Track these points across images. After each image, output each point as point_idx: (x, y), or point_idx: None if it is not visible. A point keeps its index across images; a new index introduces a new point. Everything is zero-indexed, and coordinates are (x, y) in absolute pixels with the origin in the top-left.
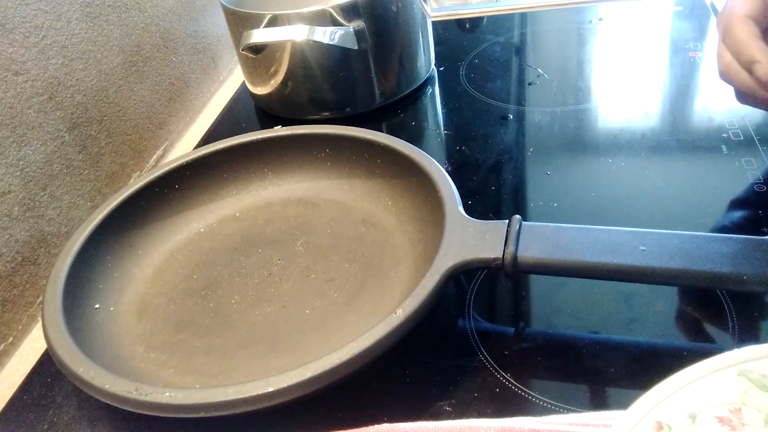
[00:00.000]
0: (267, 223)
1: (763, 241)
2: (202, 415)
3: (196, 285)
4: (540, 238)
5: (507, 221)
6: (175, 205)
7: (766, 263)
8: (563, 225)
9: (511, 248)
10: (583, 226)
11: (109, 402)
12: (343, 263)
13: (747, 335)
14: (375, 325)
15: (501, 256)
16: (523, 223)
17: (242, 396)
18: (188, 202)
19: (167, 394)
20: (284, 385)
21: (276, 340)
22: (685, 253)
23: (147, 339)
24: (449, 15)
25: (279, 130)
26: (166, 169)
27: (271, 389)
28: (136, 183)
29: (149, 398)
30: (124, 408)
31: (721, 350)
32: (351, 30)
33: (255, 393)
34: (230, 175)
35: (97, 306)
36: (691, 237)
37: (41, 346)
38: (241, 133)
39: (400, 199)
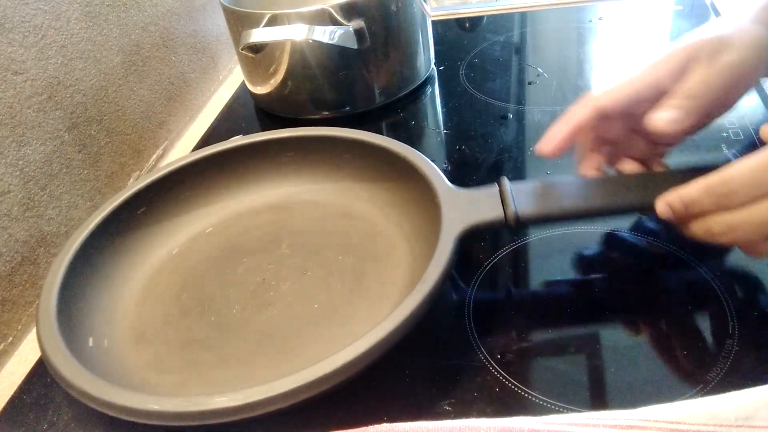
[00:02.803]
0: (243, 234)
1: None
2: (240, 417)
3: (188, 304)
4: (531, 195)
5: (495, 184)
6: (141, 232)
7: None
8: (544, 181)
9: (511, 207)
10: (559, 180)
11: (150, 422)
12: (337, 256)
13: (747, 335)
14: (404, 300)
15: (503, 215)
16: (511, 183)
17: (281, 391)
18: (153, 227)
19: (223, 398)
20: (328, 370)
21: (292, 337)
22: (642, 187)
23: (155, 365)
24: (449, 14)
25: (237, 140)
26: (126, 195)
27: (313, 378)
28: (97, 216)
29: (201, 407)
30: (172, 424)
31: (721, 350)
32: (350, 29)
33: (291, 387)
34: (191, 193)
35: (91, 344)
36: (642, 176)
37: None
38: (240, 133)
39: (376, 188)
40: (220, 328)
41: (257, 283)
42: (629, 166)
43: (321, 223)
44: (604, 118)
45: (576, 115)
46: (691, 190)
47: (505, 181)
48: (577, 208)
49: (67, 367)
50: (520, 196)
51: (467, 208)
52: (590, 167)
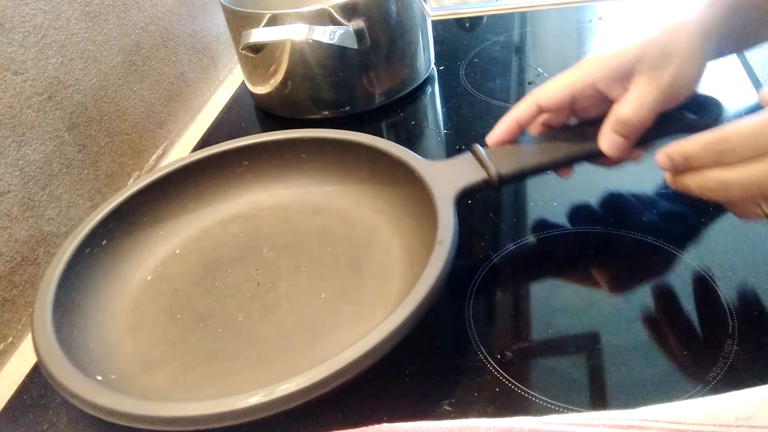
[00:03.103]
0: (216, 247)
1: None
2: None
3: (187, 322)
4: (505, 155)
5: (468, 152)
6: (107, 266)
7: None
8: (521, 140)
9: (492, 168)
10: (526, 139)
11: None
12: (324, 248)
13: (747, 335)
14: (424, 270)
15: (487, 176)
16: (481, 148)
17: (343, 365)
18: (117, 259)
19: (296, 379)
20: (378, 340)
21: (313, 328)
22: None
23: (177, 386)
24: (449, 14)
25: (187, 158)
26: (86, 231)
27: (367, 348)
28: (63, 255)
29: (274, 395)
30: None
31: (721, 350)
32: (351, 29)
33: (352, 360)
34: (151, 218)
35: (100, 379)
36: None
37: None
38: (240, 133)
39: (343, 182)
40: (233, 337)
41: (253, 289)
42: None
43: (294, 223)
44: (545, 111)
45: (518, 110)
46: (692, 144)
47: (477, 146)
48: (548, 159)
49: (99, 392)
50: (495, 158)
51: (450, 175)
52: None
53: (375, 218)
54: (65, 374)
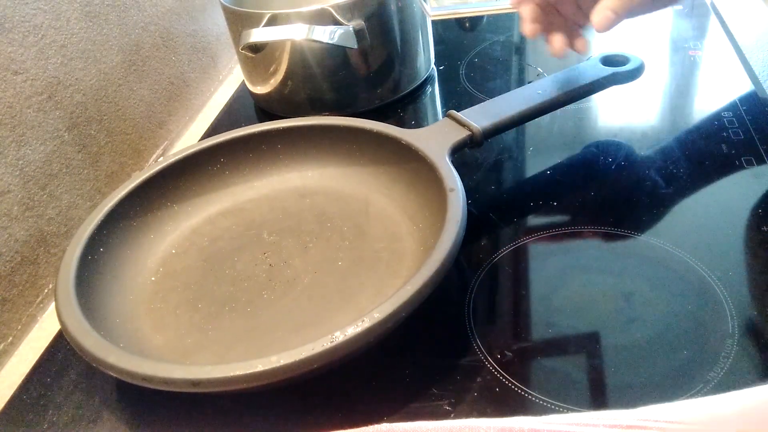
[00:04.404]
0: (214, 241)
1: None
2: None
3: (211, 309)
4: (480, 114)
5: (444, 117)
6: (110, 267)
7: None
8: (482, 104)
9: (473, 124)
10: (493, 99)
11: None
12: (324, 225)
13: (747, 335)
14: (446, 215)
15: (471, 132)
16: (457, 112)
17: (390, 311)
18: (119, 263)
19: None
20: (419, 285)
21: (342, 291)
22: (565, 82)
23: (228, 362)
24: (449, 14)
25: (165, 162)
26: (83, 242)
27: (406, 298)
28: (71, 261)
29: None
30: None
31: (721, 350)
32: (350, 29)
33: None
34: (139, 222)
35: None
36: (568, 71)
37: (41, 346)
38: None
39: (322, 167)
40: (264, 313)
41: (267, 270)
42: (557, 39)
43: (285, 208)
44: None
45: None
46: None
47: (453, 111)
48: (519, 113)
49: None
50: (473, 118)
51: (437, 137)
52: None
53: (364, 192)
54: (124, 359)
